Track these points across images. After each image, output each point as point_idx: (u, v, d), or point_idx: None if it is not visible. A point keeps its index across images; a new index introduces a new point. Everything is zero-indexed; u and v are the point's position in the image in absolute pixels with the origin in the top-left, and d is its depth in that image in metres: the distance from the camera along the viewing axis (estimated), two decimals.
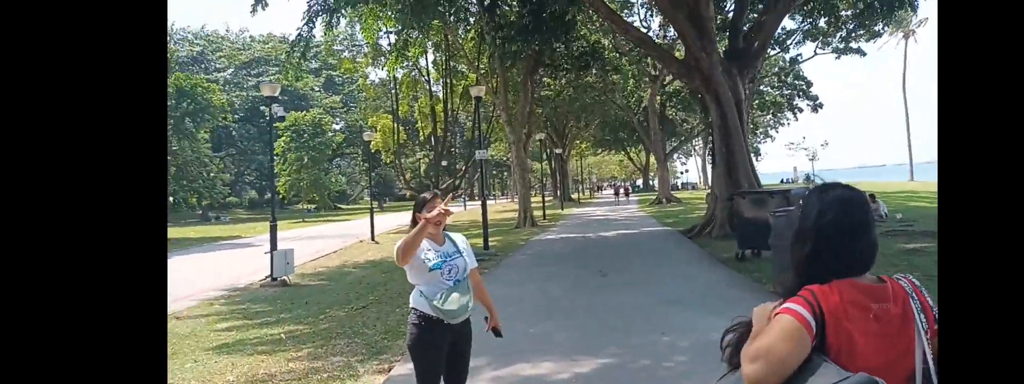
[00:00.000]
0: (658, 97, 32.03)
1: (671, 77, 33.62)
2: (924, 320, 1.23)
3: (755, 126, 47.74)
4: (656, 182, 72.31)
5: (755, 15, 14.74)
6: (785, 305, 1.23)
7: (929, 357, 1.20)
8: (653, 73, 31.74)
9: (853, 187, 1.35)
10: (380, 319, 6.83)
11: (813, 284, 1.24)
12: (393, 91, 27.78)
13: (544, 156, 39.16)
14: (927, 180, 40.89)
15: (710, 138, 16.28)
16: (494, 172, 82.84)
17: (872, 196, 15.95)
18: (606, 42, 25.54)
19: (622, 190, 35.30)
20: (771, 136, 47.85)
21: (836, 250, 1.25)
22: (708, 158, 60.53)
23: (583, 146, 56.02)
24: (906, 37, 41.43)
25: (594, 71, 26.49)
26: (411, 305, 2.83)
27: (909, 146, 45.84)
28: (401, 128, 29.40)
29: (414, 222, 2.77)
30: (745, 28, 14.37)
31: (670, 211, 25.13)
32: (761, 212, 9.02)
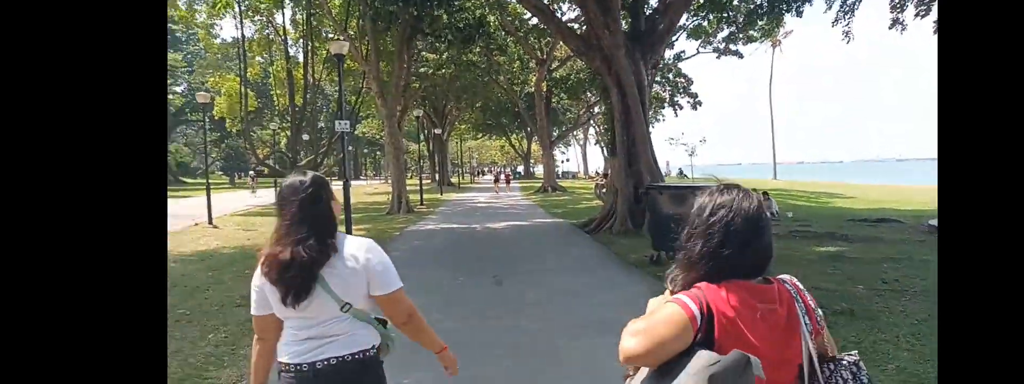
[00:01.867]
0: (544, 83, 30.89)
1: (558, 63, 32.79)
2: (808, 322, 1.29)
3: None
4: (540, 170, 72.70)
5: None
6: (676, 296, 1.26)
7: (814, 357, 1.28)
8: (541, 56, 30.51)
9: (748, 190, 1.37)
10: (193, 344, 4.51)
11: (705, 282, 1.26)
12: (240, 49, 23.72)
13: (422, 136, 36.71)
14: (791, 179, 44.76)
15: (604, 126, 15.09)
16: (365, 150, 78.38)
17: (765, 194, 15.82)
18: (492, 19, 23.71)
19: (503, 176, 33.94)
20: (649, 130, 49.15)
21: (727, 252, 1.26)
22: (592, 147, 61.88)
23: (463, 128, 54.22)
24: (774, 45, 44.50)
25: (478, 48, 24.57)
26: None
27: (773, 146, 50.07)
28: (251, 93, 25.47)
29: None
30: (649, 10, 13.22)
31: (557, 200, 24.11)
32: (681, 209, 7.73)
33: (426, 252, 10.11)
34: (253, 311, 1.86)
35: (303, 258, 1.72)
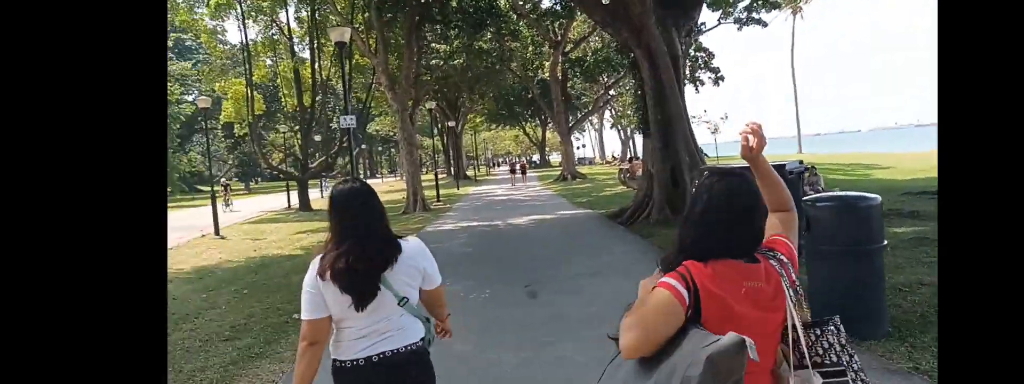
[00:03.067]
0: (560, 66, 29.53)
1: (571, 45, 31.36)
2: (793, 294, 1.35)
3: None
4: (556, 158, 71.31)
5: None
6: (662, 279, 1.30)
7: (800, 326, 1.35)
8: (555, 38, 29.13)
9: (746, 176, 1.42)
10: None
11: (691, 261, 1.31)
12: (244, 50, 22.79)
13: (435, 131, 35.67)
14: (816, 151, 42.79)
15: (634, 105, 13.80)
16: (379, 148, 77.66)
17: (812, 168, 14.48)
18: (503, 2, 22.44)
19: (519, 166, 32.63)
20: None
21: (719, 234, 1.32)
22: (608, 131, 60.12)
23: (478, 120, 53.16)
24: (794, 13, 42.35)
25: (489, 34, 23.34)
26: None
27: (797, 120, 48.03)
28: (259, 95, 24.55)
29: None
30: None
31: (579, 189, 22.86)
32: None
33: (445, 258, 9.00)
34: (307, 316, 1.83)
35: (372, 263, 1.78)
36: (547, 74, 33.72)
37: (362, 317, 1.81)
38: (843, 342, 1.39)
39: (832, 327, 1.40)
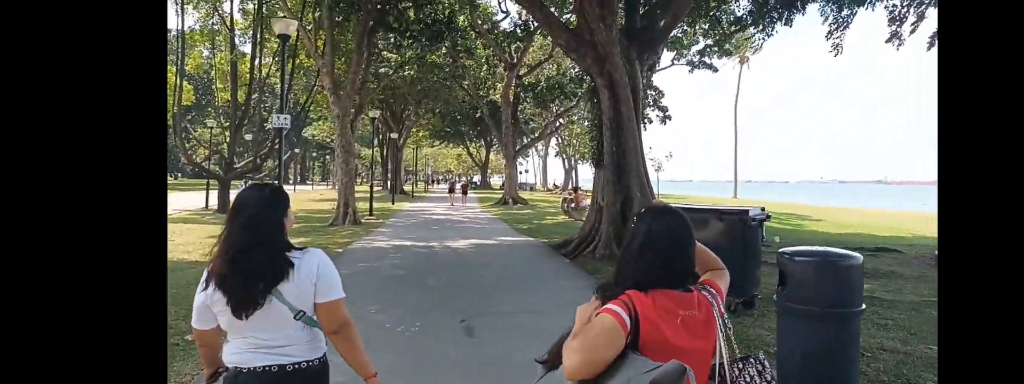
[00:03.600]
0: (513, 88, 29.32)
1: (526, 69, 31.30)
2: (722, 324, 1.48)
3: None
4: (497, 180, 70.94)
5: None
6: (606, 306, 1.39)
7: (725, 356, 1.48)
8: (511, 60, 28.97)
9: (680, 212, 1.57)
10: None
11: (632, 291, 1.41)
12: (179, 33, 21.18)
13: (376, 141, 34.45)
14: (749, 197, 44.31)
15: (589, 134, 13.51)
16: (314, 154, 74.81)
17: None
18: (462, 18, 22.02)
19: (459, 186, 31.74)
20: None
21: (658, 267, 1.44)
22: (552, 159, 60.38)
23: (421, 134, 52.21)
24: (742, 62, 44.32)
25: (444, 48, 22.80)
26: None
27: (735, 164, 49.74)
28: (189, 86, 22.79)
29: None
30: (648, 4, 11.77)
31: (521, 215, 22.34)
32: (702, 235, 6.14)
33: (373, 280, 8.15)
34: (194, 324, 1.82)
35: (253, 275, 1.70)
36: (498, 95, 33.48)
37: (252, 329, 1.74)
38: (769, 378, 1.51)
39: (754, 361, 1.52)
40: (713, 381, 1.46)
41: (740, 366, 1.51)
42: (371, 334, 5.17)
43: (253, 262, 1.69)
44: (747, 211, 5.92)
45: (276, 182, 9.77)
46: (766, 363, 1.54)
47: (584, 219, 18.27)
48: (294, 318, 1.75)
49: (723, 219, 5.96)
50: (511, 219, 19.63)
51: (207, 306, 1.76)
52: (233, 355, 1.78)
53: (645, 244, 1.47)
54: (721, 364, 1.46)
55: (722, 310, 1.48)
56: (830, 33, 13.83)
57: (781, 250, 3.86)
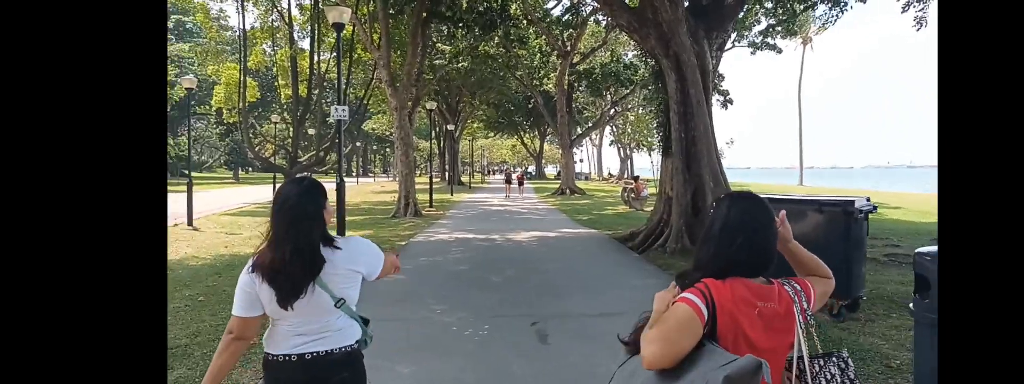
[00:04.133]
0: (567, 76, 28.68)
1: (580, 57, 30.55)
2: (802, 322, 1.44)
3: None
4: (551, 170, 70.37)
5: None
6: (683, 295, 1.38)
7: (805, 353, 1.44)
8: (565, 48, 28.30)
9: (759, 197, 1.55)
10: None
11: (710, 279, 1.40)
12: (240, 30, 21.72)
13: (433, 133, 34.61)
14: (816, 184, 42.00)
15: (656, 120, 12.89)
16: (375, 147, 76.34)
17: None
18: (514, 6, 21.57)
19: (516, 177, 31.34)
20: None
21: (735, 252, 1.43)
22: (607, 147, 59.21)
23: (475, 126, 52.25)
24: (804, 43, 41.74)
25: (497, 39, 22.44)
26: None
27: (801, 152, 47.23)
28: (254, 83, 23.44)
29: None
30: None
31: (578, 205, 21.85)
32: (793, 227, 5.54)
33: (437, 276, 7.94)
34: (238, 312, 1.84)
35: (300, 262, 1.76)
36: (552, 85, 32.89)
37: (295, 316, 1.81)
38: (852, 377, 1.48)
39: (836, 360, 1.49)
40: (789, 373, 1.46)
41: (821, 363, 1.48)
42: (440, 338, 4.91)
43: (297, 253, 1.76)
44: (852, 202, 5.28)
45: (336, 175, 9.71)
46: (849, 361, 1.52)
47: (645, 210, 17.69)
48: (334, 306, 1.83)
49: (824, 211, 5.34)
50: (570, 210, 19.18)
51: (254, 294, 1.81)
52: (275, 342, 1.86)
53: (724, 229, 1.47)
54: (800, 358, 1.44)
55: (804, 306, 1.46)
56: (908, 5, 12.56)
57: (918, 250, 3.30)
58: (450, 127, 36.49)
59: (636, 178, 22.28)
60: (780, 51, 26.25)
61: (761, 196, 1.56)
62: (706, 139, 9.86)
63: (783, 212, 1.61)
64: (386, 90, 19.00)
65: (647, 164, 60.33)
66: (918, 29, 13.10)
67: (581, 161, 64.52)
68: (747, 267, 1.43)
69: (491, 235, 12.29)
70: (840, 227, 5.26)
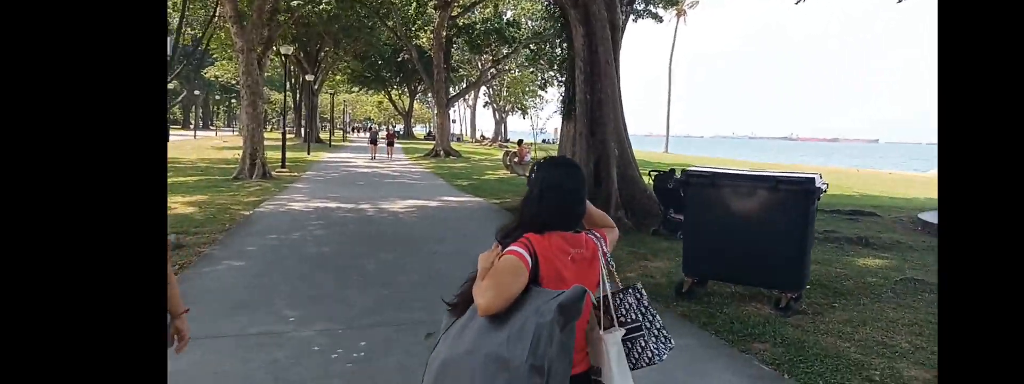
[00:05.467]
0: (445, 30, 26.56)
1: (459, 10, 28.48)
2: (605, 264, 1.68)
3: (527, 81, 45.93)
4: (421, 129, 67.49)
5: None
6: (510, 248, 1.54)
7: (608, 288, 1.69)
8: None
9: (575, 164, 1.75)
10: None
11: (531, 234, 1.57)
12: None
13: (288, 85, 30.70)
14: (679, 153, 44.29)
15: (566, 81, 11.74)
16: (218, 96, 67.79)
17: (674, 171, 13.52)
18: None
19: (384, 136, 28.69)
20: (541, 94, 46.45)
21: (553, 212, 1.61)
22: (482, 108, 57.81)
23: (338, 79, 48.10)
24: (679, 15, 43.10)
25: None
26: None
27: (668, 119, 49.53)
28: None
29: None
30: None
31: (456, 168, 20.33)
32: (743, 208, 4.63)
33: (288, 263, 6.13)
34: None
35: None
36: (426, 39, 30.50)
37: None
38: (646, 304, 1.72)
39: (632, 291, 1.73)
40: (598, 310, 1.67)
41: (621, 296, 1.72)
42: (293, 370, 3.29)
43: None
44: (812, 179, 4.43)
45: (178, 125, 7.27)
46: (643, 292, 1.74)
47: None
48: None
49: (780, 189, 4.45)
50: (448, 174, 17.66)
51: None
52: None
53: (544, 191, 1.62)
54: (605, 296, 1.68)
55: (605, 250, 1.67)
56: None
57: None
58: (309, 77, 32.67)
59: (520, 142, 21.28)
60: (661, 20, 26.44)
61: (571, 160, 1.78)
62: (613, 103, 8.86)
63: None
64: (230, 29, 15.78)
65: (523, 128, 60.33)
66: (797, 3, 13.13)
67: (454, 122, 62.76)
68: (563, 225, 1.61)
69: (360, 204, 10.45)
70: (798, 208, 4.42)
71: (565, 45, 9.76)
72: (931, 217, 9.03)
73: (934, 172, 28.41)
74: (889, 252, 7.05)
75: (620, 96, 9.12)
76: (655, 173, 8.18)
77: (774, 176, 4.62)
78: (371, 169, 19.35)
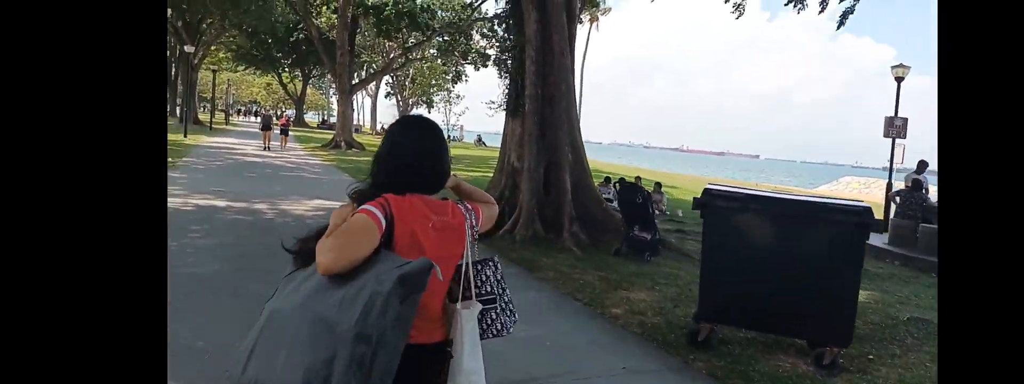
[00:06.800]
0: (351, 9, 24.32)
1: None
2: (470, 236, 1.59)
3: (433, 72, 44.10)
4: (314, 117, 62.89)
5: None
6: (364, 207, 1.43)
7: (470, 256, 1.62)
8: None
9: (430, 120, 1.68)
10: None
11: (390, 194, 1.46)
12: None
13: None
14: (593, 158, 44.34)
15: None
16: None
17: (659, 185, 13.02)
18: None
19: (279, 123, 25.71)
20: (450, 88, 44.85)
21: (409, 171, 1.52)
22: (383, 99, 54.87)
23: (222, 55, 43.48)
24: (593, 21, 43.20)
25: None
26: None
27: (579, 126, 49.51)
28: None
29: None
30: None
31: (361, 162, 18.39)
32: (782, 240, 3.75)
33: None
34: None
35: None
36: (326, 17, 27.94)
37: None
38: (499, 277, 1.72)
39: (491, 263, 1.71)
40: (456, 282, 1.62)
41: (479, 267, 1.68)
42: None
43: None
44: (868, 209, 3.63)
45: None
46: (499, 265, 1.73)
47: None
48: None
49: (831, 219, 3.61)
50: (352, 168, 15.79)
51: None
52: None
53: (393, 147, 1.54)
54: (466, 266, 1.61)
55: (474, 223, 1.59)
56: None
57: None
58: (189, 49, 28.76)
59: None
60: (582, 22, 26.10)
61: (430, 121, 1.70)
62: (567, 101, 7.85)
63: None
64: None
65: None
66: (737, 17, 12.96)
67: (352, 111, 59.26)
68: (425, 188, 1.53)
69: (253, 202, 8.59)
70: (851, 242, 3.61)
71: (510, 31, 8.58)
72: (878, 240, 8.91)
73: (823, 188, 30.59)
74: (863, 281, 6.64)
75: (574, 93, 8.12)
76: (618, 183, 7.26)
77: (824, 203, 3.78)
78: (263, 159, 16.97)
